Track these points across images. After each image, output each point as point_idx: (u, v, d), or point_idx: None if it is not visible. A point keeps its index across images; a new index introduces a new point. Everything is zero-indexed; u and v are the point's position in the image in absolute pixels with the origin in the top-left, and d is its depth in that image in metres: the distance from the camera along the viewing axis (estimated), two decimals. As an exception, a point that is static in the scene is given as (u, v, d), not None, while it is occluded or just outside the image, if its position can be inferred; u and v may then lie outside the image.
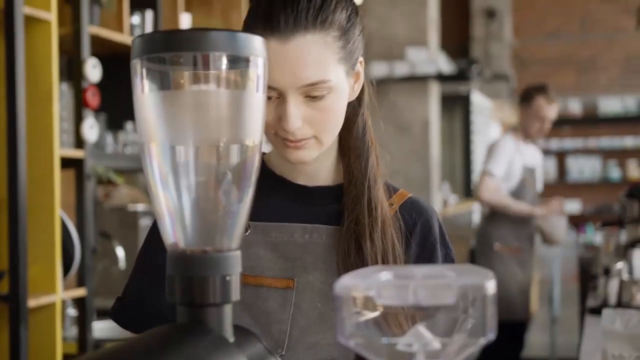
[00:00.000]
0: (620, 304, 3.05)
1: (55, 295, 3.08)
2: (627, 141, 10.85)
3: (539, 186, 5.00)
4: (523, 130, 4.79)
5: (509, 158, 4.70)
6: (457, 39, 11.00)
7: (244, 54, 0.82)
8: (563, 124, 11.05)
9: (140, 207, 3.83)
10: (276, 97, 1.27)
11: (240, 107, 0.84)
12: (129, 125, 3.80)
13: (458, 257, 1.48)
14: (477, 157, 8.63)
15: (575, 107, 11.04)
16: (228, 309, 0.83)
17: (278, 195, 1.40)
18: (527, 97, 4.80)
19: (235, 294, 0.83)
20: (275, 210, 1.38)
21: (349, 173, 1.39)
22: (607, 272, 3.45)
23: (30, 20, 3.00)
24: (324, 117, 1.30)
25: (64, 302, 3.41)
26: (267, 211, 1.33)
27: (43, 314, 3.08)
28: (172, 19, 4.14)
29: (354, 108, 1.42)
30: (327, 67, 1.28)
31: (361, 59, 1.38)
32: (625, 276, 3.18)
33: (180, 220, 0.83)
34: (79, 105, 3.31)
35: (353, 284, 0.74)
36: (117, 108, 3.61)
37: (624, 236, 4.38)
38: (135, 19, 3.80)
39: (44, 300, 3.03)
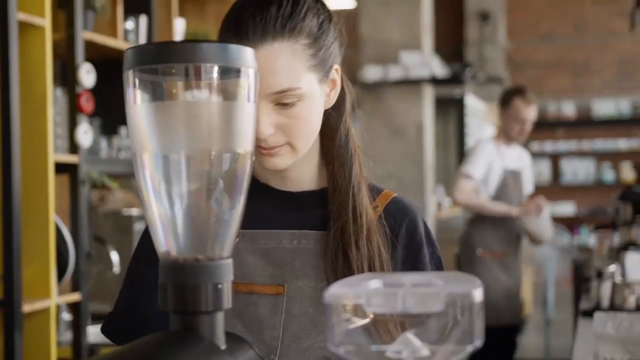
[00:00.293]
0: (613, 307, 3.06)
1: (49, 300, 3.08)
2: (621, 143, 10.88)
3: (528, 188, 4.97)
4: (504, 134, 4.80)
5: (487, 161, 4.69)
6: (451, 41, 11.03)
7: (235, 64, 0.84)
8: (557, 126, 11.08)
9: (135, 211, 3.84)
10: None
11: (232, 117, 0.86)
12: (123, 130, 3.81)
13: (450, 260, 1.50)
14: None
15: (569, 109, 11.07)
16: (220, 317, 0.84)
17: (264, 202, 1.41)
18: (505, 100, 4.81)
19: (228, 301, 0.84)
20: (262, 218, 1.39)
21: (334, 181, 1.39)
22: (599, 274, 3.46)
23: (24, 26, 3.00)
24: (296, 125, 1.31)
25: (58, 307, 3.42)
26: (254, 218, 1.33)
27: (38, 319, 3.09)
28: (166, 24, 4.14)
29: (335, 116, 1.42)
30: (296, 75, 1.29)
31: (337, 66, 1.39)
32: (618, 279, 3.19)
33: (172, 228, 0.84)
34: (73, 111, 3.32)
35: (342, 292, 0.76)
36: (111, 113, 3.62)
37: (617, 238, 4.40)
38: (129, 24, 3.81)
39: (38, 305, 3.03)
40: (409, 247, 1.41)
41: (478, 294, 0.73)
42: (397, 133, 6.92)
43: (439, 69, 7.16)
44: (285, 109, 1.30)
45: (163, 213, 0.84)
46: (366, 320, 0.75)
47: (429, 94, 7.10)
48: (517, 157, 4.87)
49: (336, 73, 1.40)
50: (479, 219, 4.72)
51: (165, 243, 0.84)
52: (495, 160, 4.70)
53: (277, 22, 1.28)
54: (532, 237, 4.80)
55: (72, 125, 3.32)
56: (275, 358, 1.33)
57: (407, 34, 6.97)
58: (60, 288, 3.27)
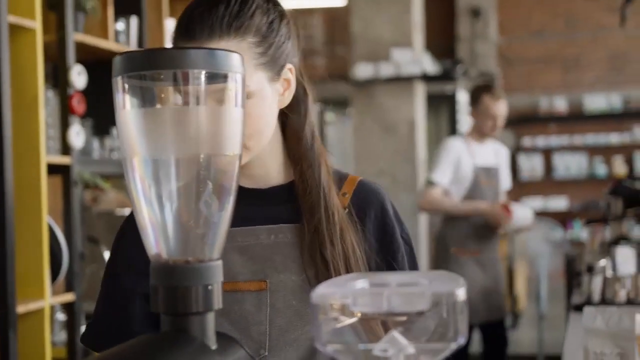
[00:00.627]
0: (604, 301, 3.08)
1: (43, 300, 3.09)
2: (613, 138, 10.91)
3: (505, 184, 4.94)
4: (477, 131, 4.79)
5: (454, 162, 4.67)
6: (442, 38, 11.04)
7: (222, 70, 0.85)
8: (549, 121, 11.11)
9: (128, 211, 3.84)
10: None
11: (220, 121, 0.87)
12: (114, 130, 3.82)
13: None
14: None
15: (561, 104, 11.09)
16: (210, 317, 0.85)
17: (236, 201, 1.43)
18: (474, 97, 4.81)
19: (218, 302, 0.85)
20: (236, 216, 1.41)
21: (303, 181, 1.41)
22: (590, 269, 3.48)
23: (15, 28, 3.01)
24: (245, 123, 1.33)
25: (52, 307, 3.43)
26: None
27: (32, 320, 3.10)
28: (157, 25, 4.15)
29: (299, 117, 1.44)
30: None
31: (291, 66, 1.40)
32: (609, 273, 3.21)
33: (162, 231, 0.85)
34: (65, 112, 3.33)
35: (329, 292, 0.77)
36: (103, 114, 3.63)
37: (608, 233, 4.43)
38: (120, 26, 3.81)
39: (32, 305, 3.04)
40: (383, 230, 1.46)
41: (462, 293, 0.75)
42: (389, 130, 6.94)
43: (430, 65, 7.17)
44: None
45: (153, 216, 0.85)
46: (353, 320, 0.77)
47: (420, 91, 7.12)
48: (491, 153, 4.84)
49: (290, 73, 1.40)
50: (452, 217, 4.71)
51: (156, 245, 0.85)
52: (465, 158, 4.68)
53: (224, 21, 1.30)
54: (514, 230, 4.81)
55: (64, 126, 3.33)
56: (265, 353, 1.35)
57: (398, 31, 6.99)
58: (54, 288, 3.28)
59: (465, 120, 9.00)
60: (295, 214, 1.41)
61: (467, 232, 4.66)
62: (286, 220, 1.40)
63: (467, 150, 4.71)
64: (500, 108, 4.71)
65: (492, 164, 4.79)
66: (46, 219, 3.11)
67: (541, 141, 11.12)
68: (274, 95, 1.37)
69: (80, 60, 3.41)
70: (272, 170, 1.44)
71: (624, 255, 3.46)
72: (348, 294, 0.76)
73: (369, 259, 1.42)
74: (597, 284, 3.16)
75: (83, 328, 3.36)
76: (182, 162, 0.86)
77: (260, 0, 1.35)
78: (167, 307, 0.84)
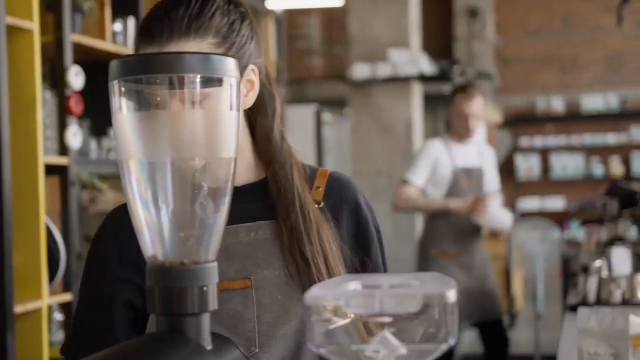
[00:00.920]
0: (599, 301, 3.09)
1: (41, 300, 3.10)
2: (610, 138, 10.93)
3: (491, 185, 4.86)
4: (456, 132, 4.78)
5: (431, 163, 4.66)
6: (440, 38, 11.06)
7: (217, 74, 0.87)
8: (546, 121, 11.13)
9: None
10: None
11: (215, 124, 0.89)
12: (112, 131, 3.82)
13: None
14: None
15: (558, 104, 11.11)
16: (206, 318, 0.87)
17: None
18: (450, 98, 4.81)
19: (213, 303, 0.87)
20: None
21: (276, 181, 1.43)
22: (585, 269, 3.50)
23: (12, 29, 3.02)
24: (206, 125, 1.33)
25: (50, 307, 3.44)
26: None
27: (29, 320, 3.11)
28: (154, 25, 4.15)
29: (266, 118, 1.45)
30: None
31: (253, 67, 1.40)
32: (604, 273, 3.22)
33: (158, 233, 0.87)
34: (63, 113, 3.34)
35: (322, 294, 0.78)
36: (101, 114, 3.64)
37: (604, 233, 4.44)
38: (117, 26, 3.82)
39: (30, 305, 3.05)
40: (358, 225, 1.48)
41: (452, 295, 0.76)
42: (386, 130, 6.95)
43: (428, 66, 7.19)
44: None
45: (149, 218, 0.87)
46: (346, 321, 0.78)
47: (417, 91, 7.14)
48: (474, 154, 4.79)
49: (254, 74, 1.40)
50: (432, 219, 4.70)
51: (152, 247, 0.87)
52: (443, 159, 4.66)
53: (184, 22, 1.30)
54: (490, 231, 4.73)
55: (62, 127, 3.34)
56: (255, 350, 1.36)
57: (395, 31, 7.00)
58: (52, 288, 3.29)
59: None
60: (270, 211, 1.42)
61: (447, 234, 4.63)
62: (262, 218, 1.41)
63: (446, 152, 4.68)
64: (472, 107, 4.64)
65: (473, 165, 4.73)
66: (44, 219, 3.12)
67: (538, 141, 11.14)
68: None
69: (77, 61, 3.42)
70: (241, 168, 1.44)
71: (620, 255, 3.47)
72: (341, 296, 0.78)
73: (344, 254, 1.44)
74: (592, 284, 3.16)
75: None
76: (178, 165, 0.87)
77: (221, 2, 1.35)
78: (163, 308, 0.85)
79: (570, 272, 4.52)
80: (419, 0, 7.41)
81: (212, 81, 0.87)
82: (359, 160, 7.02)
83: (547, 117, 11.12)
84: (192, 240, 0.87)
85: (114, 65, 0.86)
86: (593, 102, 10.97)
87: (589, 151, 11.07)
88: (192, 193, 0.88)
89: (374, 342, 0.78)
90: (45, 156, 3.18)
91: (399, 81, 6.93)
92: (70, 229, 3.36)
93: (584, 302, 3.09)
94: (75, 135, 3.36)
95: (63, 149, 3.34)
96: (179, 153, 0.87)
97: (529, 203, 11.10)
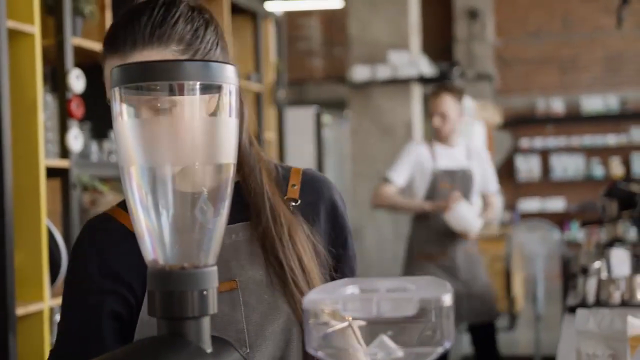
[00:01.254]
0: (598, 303, 3.09)
1: (43, 302, 3.11)
2: (610, 139, 10.95)
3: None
4: (436, 133, 4.76)
5: (411, 164, 4.65)
6: (439, 40, 11.07)
7: (216, 81, 0.88)
8: (546, 122, 11.15)
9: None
10: None
11: (214, 130, 0.90)
12: (112, 134, 3.84)
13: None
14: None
15: (558, 105, 11.13)
16: (206, 322, 0.88)
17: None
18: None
19: (213, 307, 0.88)
20: None
21: (247, 185, 1.43)
22: (584, 271, 3.50)
23: (14, 33, 3.03)
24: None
25: (51, 309, 3.45)
26: None
27: (31, 322, 3.12)
28: (155, 28, 4.16)
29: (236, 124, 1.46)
30: None
31: None
32: (603, 275, 3.23)
33: (159, 238, 0.88)
34: (64, 116, 3.35)
35: (320, 298, 0.80)
36: (101, 117, 3.64)
37: (604, 234, 4.45)
38: (118, 29, 3.83)
39: (32, 307, 3.06)
40: (335, 217, 1.50)
41: (448, 298, 0.78)
42: (386, 132, 6.96)
43: (427, 67, 7.20)
44: None
45: (150, 223, 0.88)
46: (343, 324, 0.80)
47: (417, 93, 7.15)
48: (460, 156, 4.75)
49: None
50: (415, 221, 4.69)
51: (153, 252, 0.88)
52: (424, 161, 4.65)
53: (147, 31, 1.30)
54: (458, 232, 4.62)
55: (63, 130, 3.35)
56: (247, 350, 1.37)
57: (395, 33, 7.02)
58: (53, 291, 3.30)
59: (462, 121, 9.01)
60: (246, 212, 1.42)
61: (428, 236, 4.61)
62: (241, 219, 1.42)
63: (428, 153, 4.67)
64: (438, 107, 4.63)
65: (457, 167, 4.69)
66: (45, 221, 3.13)
67: (538, 142, 11.16)
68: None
69: (78, 64, 3.43)
70: None
71: (619, 257, 3.48)
72: (338, 300, 0.79)
73: (320, 252, 1.44)
74: (591, 285, 3.17)
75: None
76: (178, 171, 0.89)
77: (184, 9, 1.35)
78: (164, 311, 0.86)
79: (570, 273, 4.52)
80: (419, 2, 7.43)
81: (211, 88, 0.88)
82: (359, 162, 7.03)
83: (547, 118, 11.15)
84: (193, 245, 0.88)
85: (115, 72, 0.87)
86: (593, 103, 10.99)
87: (589, 152, 11.09)
88: (192, 198, 0.89)
89: (372, 345, 0.79)
90: (47, 159, 3.20)
91: (399, 83, 6.94)
92: (72, 232, 3.37)
93: (583, 304, 3.09)
94: (76, 138, 3.37)
95: (64, 152, 3.35)
96: (179, 159, 0.89)
97: (529, 204, 11.11)
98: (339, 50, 11.07)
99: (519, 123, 11.15)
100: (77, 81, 3.35)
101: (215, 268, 0.89)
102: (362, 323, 0.79)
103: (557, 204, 11.08)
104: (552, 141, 11.14)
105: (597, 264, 3.30)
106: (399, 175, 4.65)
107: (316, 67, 11.54)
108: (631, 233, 4.38)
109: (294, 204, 1.46)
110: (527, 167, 11.19)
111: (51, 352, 1.41)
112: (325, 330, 0.79)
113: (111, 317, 1.37)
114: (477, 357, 4.79)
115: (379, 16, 7.01)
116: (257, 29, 5.31)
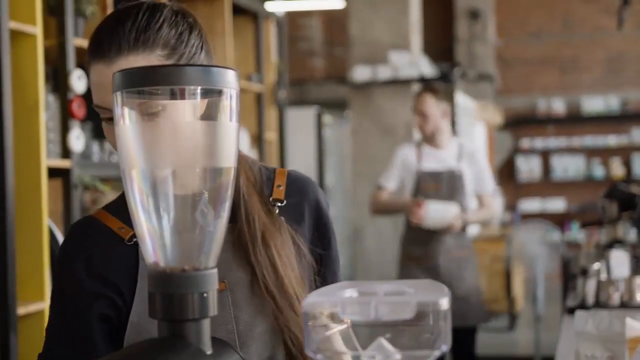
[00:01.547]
0: (598, 304, 3.10)
1: (44, 302, 3.12)
2: (610, 140, 10.96)
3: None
4: (421, 133, 4.76)
5: (399, 167, 4.66)
6: (440, 40, 11.08)
7: (217, 86, 0.89)
8: (547, 123, 11.15)
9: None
10: (110, 117, 1.30)
11: (215, 135, 0.91)
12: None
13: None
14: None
15: (558, 106, 11.14)
16: (206, 324, 0.89)
17: None
18: None
19: (213, 309, 0.89)
20: None
21: None
22: (584, 272, 3.50)
23: (16, 34, 3.04)
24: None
25: (52, 309, 3.46)
26: None
27: (32, 321, 3.13)
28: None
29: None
30: None
31: None
32: (603, 276, 3.23)
33: (160, 241, 0.89)
34: (65, 116, 3.36)
35: (319, 301, 0.81)
36: (103, 117, 3.65)
37: (604, 235, 4.45)
38: (120, 29, 3.83)
39: (33, 307, 3.07)
40: (319, 217, 1.50)
41: (445, 302, 0.79)
42: (386, 132, 6.97)
43: (428, 68, 7.21)
44: None
45: (151, 226, 0.89)
46: (342, 327, 0.80)
47: (418, 94, 7.15)
48: (449, 157, 4.72)
49: None
50: (406, 224, 4.70)
51: (154, 254, 0.89)
52: (410, 163, 4.66)
53: (131, 36, 1.30)
54: (443, 230, 4.59)
55: (64, 130, 3.36)
56: (238, 351, 1.38)
57: (395, 34, 7.02)
58: (54, 291, 3.31)
59: (463, 121, 9.03)
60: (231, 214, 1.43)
61: (415, 239, 4.62)
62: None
63: (414, 155, 4.67)
64: (419, 106, 4.62)
65: (445, 168, 4.66)
66: (46, 221, 3.14)
67: (539, 143, 11.17)
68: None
69: (80, 64, 3.44)
70: None
71: (618, 258, 3.48)
72: (337, 303, 0.80)
73: (302, 256, 1.44)
74: (590, 286, 3.18)
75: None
76: (179, 175, 0.89)
77: (168, 13, 1.35)
78: (164, 313, 0.87)
79: (570, 273, 4.52)
80: (420, 2, 7.43)
81: (212, 93, 0.89)
82: (360, 162, 7.04)
83: (547, 118, 11.15)
84: (193, 247, 0.89)
85: (117, 77, 0.88)
86: (594, 103, 11.00)
87: (590, 153, 11.10)
88: (192, 201, 0.90)
89: (370, 348, 0.80)
90: (48, 159, 3.20)
91: (400, 83, 6.95)
92: (73, 232, 3.37)
93: (583, 305, 3.10)
94: (77, 138, 3.38)
95: (65, 152, 3.36)
96: (180, 163, 0.90)
97: (530, 204, 11.12)
98: (340, 50, 11.07)
99: (519, 123, 11.16)
100: (78, 82, 3.35)
101: (215, 270, 0.90)
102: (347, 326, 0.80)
103: (557, 204, 11.08)
104: (552, 142, 11.15)
105: (596, 265, 3.30)
106: (389, 180, 4.69)
107: (317, 68, 11.55)
108: (631, 234, 4.38)
109: (279, 204, 1.45)
110: (528, 168, 11.20)
111: (40, 356, 1.41)
112: (324, 332, 0.80)
113: (101, 321, 1.36)
114: (454, 357, 4.78)
115: (380, 16, 7.02)
116: (258, 29, 5.32)
